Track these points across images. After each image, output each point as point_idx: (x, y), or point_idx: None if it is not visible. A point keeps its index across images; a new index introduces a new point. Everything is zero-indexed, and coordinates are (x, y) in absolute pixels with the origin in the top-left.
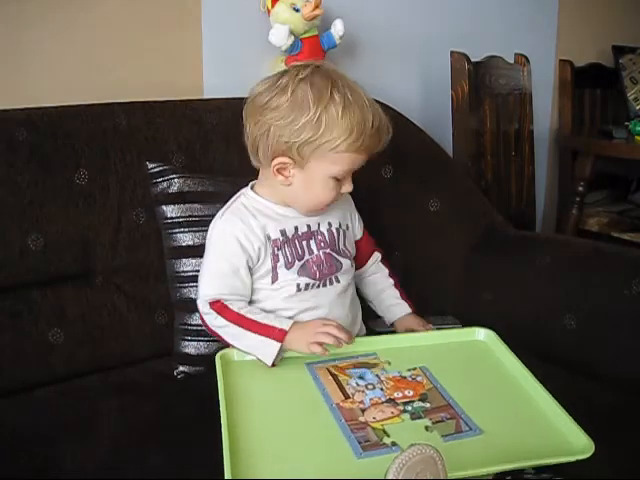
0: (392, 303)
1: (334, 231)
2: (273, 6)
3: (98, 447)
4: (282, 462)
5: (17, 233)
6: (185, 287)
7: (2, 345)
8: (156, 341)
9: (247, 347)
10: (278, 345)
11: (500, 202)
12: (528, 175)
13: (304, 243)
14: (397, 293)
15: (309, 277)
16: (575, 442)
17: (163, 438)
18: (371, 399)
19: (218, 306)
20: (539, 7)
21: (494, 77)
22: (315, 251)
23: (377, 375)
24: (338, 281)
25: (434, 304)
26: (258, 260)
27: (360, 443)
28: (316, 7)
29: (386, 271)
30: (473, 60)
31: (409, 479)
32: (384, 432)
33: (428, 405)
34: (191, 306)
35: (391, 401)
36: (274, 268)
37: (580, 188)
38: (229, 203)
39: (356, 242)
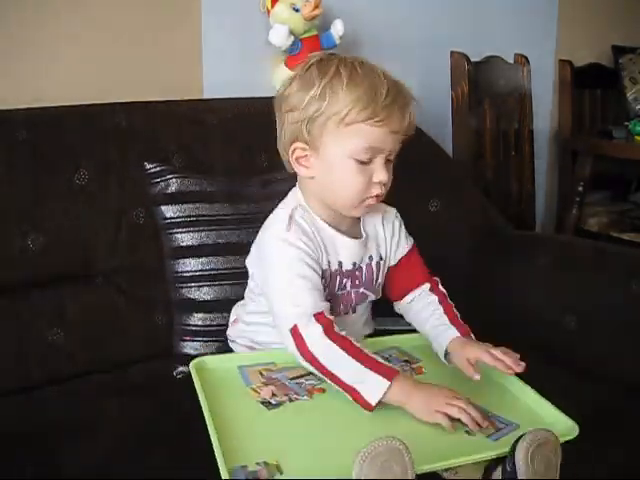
0: (439, 331)
1: (374, 266)
2: (273, 6)
3: (98, 447)
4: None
5: (17, 233)
6: (184, 287)
7: (2, 345)
8: (156, 341)
9: (350, 378)
10: (387, 384)
11: (500, 202)
12: (528, 175)
13: (340, 280)
14: (444, 319)
15: (332, 312)
16: (559, 426)
17: (163, 438)
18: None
19: (326, 321)
20: (539, 7)
21: (494, 77)
22: (348, 289)
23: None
24: (354, 311)
25: None
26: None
27: None
28: (316, 7)
29: (434, 298)
30: (473, 60)
31: (373, 469)
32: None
33: None
34: (190, 306)
35: None
36: None
37: (580, 188)
38: (288, 213)
39: (391, 268)
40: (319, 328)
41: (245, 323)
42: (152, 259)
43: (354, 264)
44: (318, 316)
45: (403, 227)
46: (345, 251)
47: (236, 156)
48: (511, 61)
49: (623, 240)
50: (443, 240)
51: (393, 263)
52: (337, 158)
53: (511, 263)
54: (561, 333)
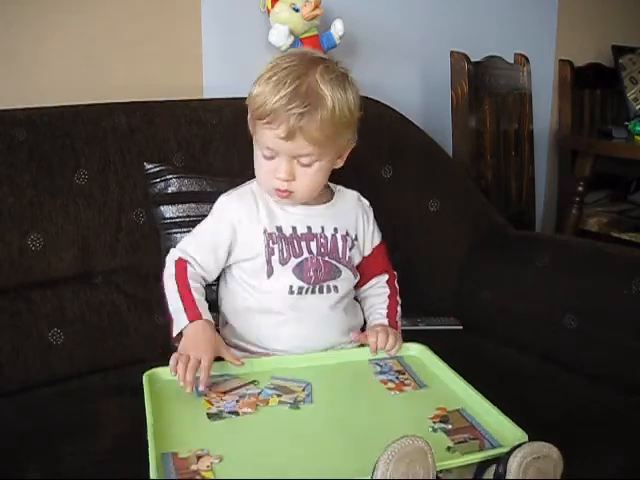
0: (375, 317)
1: (339, 238)
2: (273, 6)
3: (98, 447)
4: None
5: (17, 233)
6: None
7: (2, 345)
8: (156, 341)
9: (172, 309)
10: (186, 323)
11: (500, 202)
12: (528, 175)
13: (303, 244)
14: (384, 311)
15: (303, 280)
16: (508, 434)
17: None
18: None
19: (181, 265)
20: (539, 7)
21: (494, 77)
22: (315, 253)
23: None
24: (337, 290)
25: (434, 304)
26: (245, 248)
27: None
28: (316, 7)
29: (387, 290)
30: (473, 60)
31: (399, 470)
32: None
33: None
34: None
35: None
36: (269, 261)
37: (580, 188)
38: (240, 186)
39: (364, 258)
40: (174, 264)
41: (228, 322)
42: (152, 259)
43: (309, 228)
44: (179, 261)
45: (375, 220)
46: (294, 217)
47: (236, 156)
48: (511, 61)
49: (623, 240)
50: (443, 240)
51: (367, 253)
52: (254, 144)
53: (511, 263)
54: (561, 333)
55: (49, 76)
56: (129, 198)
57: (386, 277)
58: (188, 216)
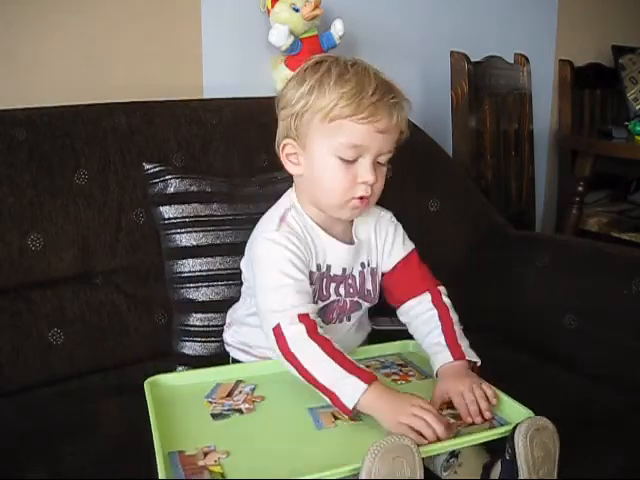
0: (433, 351)
1: (366, 273)
2: (273, 6)
3: (98, 447)
4: None
5: (17, 233)
6: (183, 288)
7: (2, 345)
8: (156, 341)
9: (328, 381)
10: (364, 387)
11: (500, 202)
12: (528, 175)
13: (333, 286)
14: (441, 338)
15: (323, 320)
16: (514, 414)
17: None
18: None
19: (310, 322)
20: (539, 7)
21: (494, 77)
22: (343, 296)
23: None
24: (349, 319)
25: None
26: None
27: None
28: (316, 7)
29: (434, 312)
30: (473, 60)
31: (385, 465)
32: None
33: None
34: (189, 307)
35: None
36: None
37: (580, 188)
38: (280, 214)
39: (394, 273)
40: (302, 328)
41: (238, 326)
42: (152, 259)
43: (344, 270)
44: (302, 317)
45: (400, 232)
46: (335, 255)
47: (235, 156)
48: (511, 61)
49: (623, 240)
50: (443, 240)
51: (387, 269)
52: (322, 155)
53: (511, 263)
54: (561, 333)
55: (49, 76)
56: (129, 198)
57: (428, 297)
58: (187, 217)
